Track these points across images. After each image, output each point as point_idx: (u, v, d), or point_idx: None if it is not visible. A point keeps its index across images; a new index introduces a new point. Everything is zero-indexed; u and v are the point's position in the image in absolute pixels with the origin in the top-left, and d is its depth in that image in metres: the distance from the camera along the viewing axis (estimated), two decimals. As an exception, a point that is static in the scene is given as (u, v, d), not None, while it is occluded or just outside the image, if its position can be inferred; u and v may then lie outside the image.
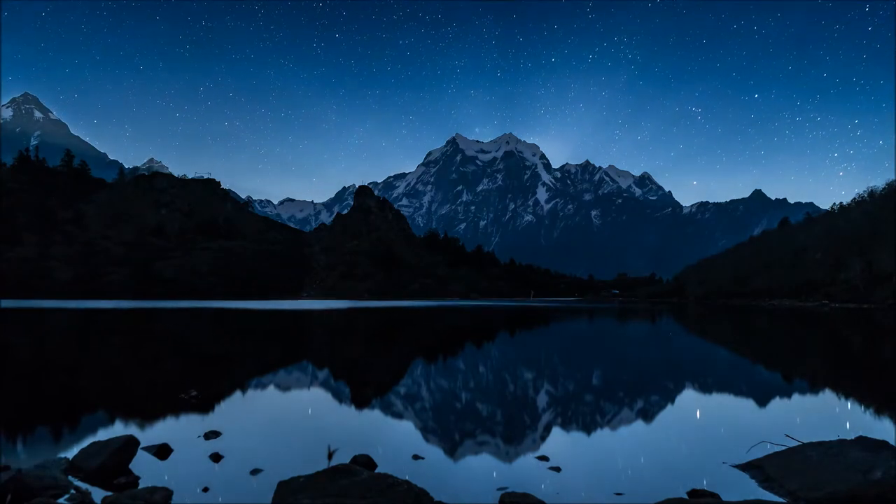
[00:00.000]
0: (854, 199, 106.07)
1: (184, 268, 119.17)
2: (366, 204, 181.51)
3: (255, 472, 4.18)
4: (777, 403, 7.35)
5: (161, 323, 25.06)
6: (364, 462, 4.33)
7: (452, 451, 5.07)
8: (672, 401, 7.55)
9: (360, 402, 7.36)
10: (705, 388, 8.76)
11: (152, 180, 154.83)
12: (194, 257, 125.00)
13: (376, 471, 3.81)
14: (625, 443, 5.32)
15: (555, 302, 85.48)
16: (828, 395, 8.16)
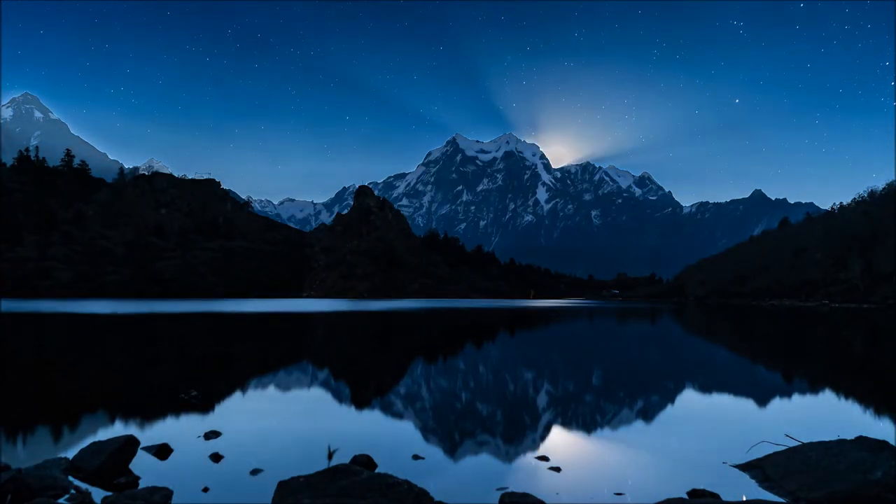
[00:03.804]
0: (854, 199, 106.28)
1: (184, 268, 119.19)
2: (366, 204, 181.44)
3: (255, 472, 4.18)
4: (777, 403, 7.35)
5: (161, 324, 25.06)
6: (364, 462, 4.33)
7: (452, 451, 5.07)
8: (672, 401, 7.56)
9: (360, 402, 7.36)
10: (705, 388, 8.76)
11: (152, 180, 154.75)
12: (194, 257, 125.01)
13: (376, 471, 3.81)
14: (625, 443, 5.32)
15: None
16: (828, 395, 8.16)
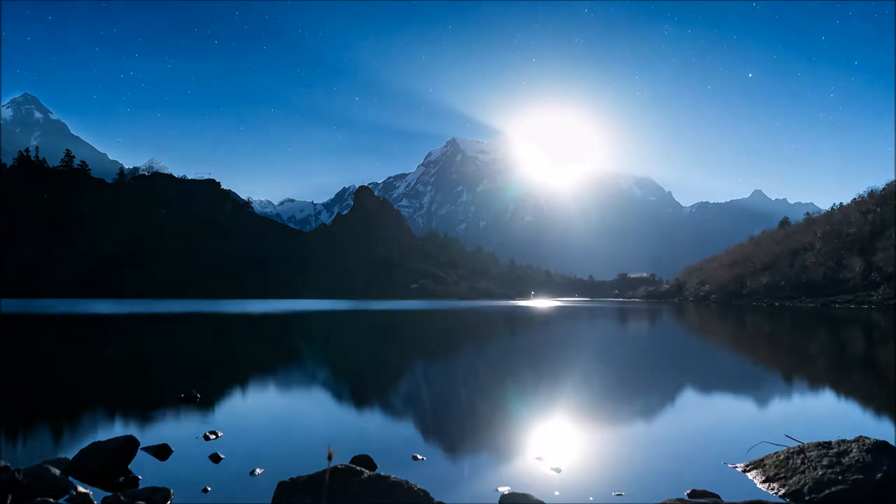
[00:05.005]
0: (854, 199, 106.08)
1: (184, 268, 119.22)
2: (366, 204, 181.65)
3: (254, 472, 4.18)
4: (777, 403, 7.35)
5: (160, 324, 25.07)
6: (364, 462, 4.33)
7: (452, 451, 5.07)
8: (672, 401, 7.55)
9: (360, 402, 7.36)
10: (705, 388, 8.76)
11: (152, 180, 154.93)
12: (194, 257, 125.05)
13: (376, 471, 3.81)
14: (625, 443, 5.32)
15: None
16: (828, 395, 8.16)
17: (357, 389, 8.49)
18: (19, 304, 46.37)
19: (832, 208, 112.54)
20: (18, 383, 8.20)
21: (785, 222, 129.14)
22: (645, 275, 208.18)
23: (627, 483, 4.03)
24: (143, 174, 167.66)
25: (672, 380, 9.69)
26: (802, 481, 3.87)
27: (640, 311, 47.42)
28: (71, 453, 4.40)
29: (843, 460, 3.93)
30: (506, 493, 3.65)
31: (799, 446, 4.36)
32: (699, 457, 4.80)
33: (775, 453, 4.42)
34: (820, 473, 3.87)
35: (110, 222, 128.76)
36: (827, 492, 3.67)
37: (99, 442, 4.38)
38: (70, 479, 3.88)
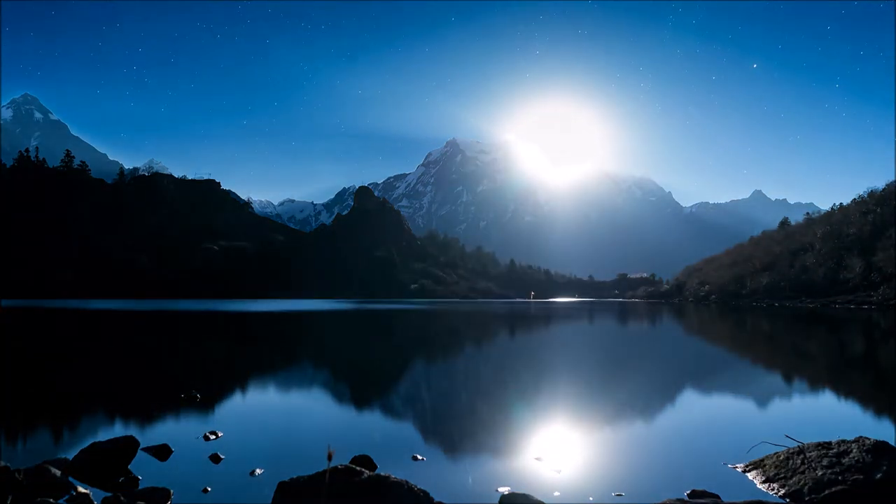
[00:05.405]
0: (854, 199, 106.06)
1: (183, 268, 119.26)
2: (366, 204, 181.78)
3: (254, 472, 4.18)
4: (777, 403, 7.35)
5: (160, 324, 25.08)
6: (364, 462, 4.33)
7: (452, 451, 5.07)
8: (672, 401, 7.55)
9: (360, 402, 7.36)
10: (705, 388, 8.76)
11: (152, 180, 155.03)
12: (194, 257, 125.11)
13: (376, 471, 3.81)
14: (625, 443, 5.32)
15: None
16: (828, 395, 8.16)
17: (357, 389, 8.50)
18: (19, 304, 46.38)
19: (832, 208, 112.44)
20: (19, 383, 8.20)
21: (785, 222, 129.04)
22: (645, 275, 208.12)
23: (627, 483, 4.03)
24: (143, 174, 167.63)
25: (672, 380, 9.69)
26: (802, 481, 3.87)
27: (640, 312, 47.43)
28: (71, 453, 4.40)
29: (843, 461, 3.93)
30: (506, 493, 3.65)
31: (799, 446, 4.36)
32: (699, 457, 4.80)
33: (775, 453, 4.41)
34: (820, 474, 3.87)
35: (110, 222, 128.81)
36: (827, 492, 3.66)
37: (99, 442, 4.38)
38: (70, 479, 3.88)
